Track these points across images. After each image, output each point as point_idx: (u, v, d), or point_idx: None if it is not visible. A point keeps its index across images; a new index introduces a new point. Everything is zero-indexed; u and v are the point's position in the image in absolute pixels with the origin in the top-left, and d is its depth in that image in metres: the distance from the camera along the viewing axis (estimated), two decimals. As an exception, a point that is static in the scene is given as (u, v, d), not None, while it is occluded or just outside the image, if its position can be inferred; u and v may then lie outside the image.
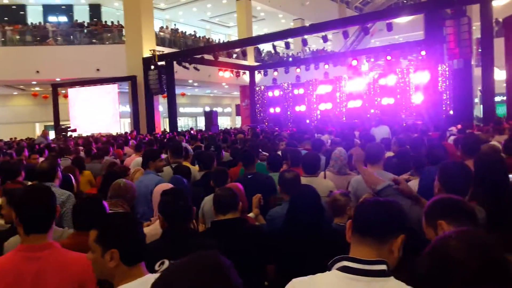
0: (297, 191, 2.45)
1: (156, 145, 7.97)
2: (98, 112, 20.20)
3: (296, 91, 22.03)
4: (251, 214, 3.03)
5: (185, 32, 24.56)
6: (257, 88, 23.13)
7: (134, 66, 18.78)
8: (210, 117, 20.39)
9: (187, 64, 17.96)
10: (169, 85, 17.82)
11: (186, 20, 30.09)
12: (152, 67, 17.73)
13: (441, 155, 3.16)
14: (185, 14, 29.27)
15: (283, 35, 16.14)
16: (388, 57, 16.75)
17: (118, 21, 21.79)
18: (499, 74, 14.98)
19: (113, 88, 19.98)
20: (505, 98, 13.70)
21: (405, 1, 34.23)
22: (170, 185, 2.66)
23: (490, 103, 11.29)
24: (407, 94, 17.97)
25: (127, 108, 21.36)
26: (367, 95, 19.22)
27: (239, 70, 21.50)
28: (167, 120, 21.08)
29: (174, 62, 17.74)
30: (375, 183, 2.48)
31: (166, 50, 20.14)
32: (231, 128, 22.86)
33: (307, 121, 20.50)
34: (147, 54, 18.46)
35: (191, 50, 19.98)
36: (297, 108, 21.93)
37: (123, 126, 23.52)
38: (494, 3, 22.94)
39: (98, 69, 19.60)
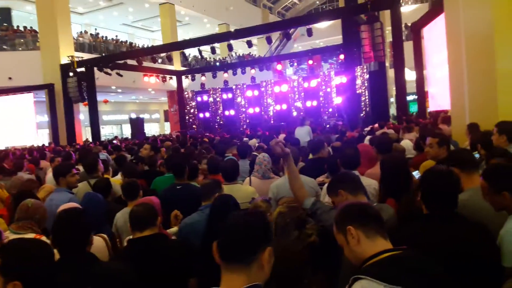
0: (215, 201, 2.41)
1: (74, 158, 7.49)
2: (13, 124, 18.64)
3: (225, 96, 22.11)
4: (171, 230, 2.93)
5: (106, 37, 23.51)
6: (185, 93, 22.81)
7: (51, 74, 17.58)
8: (137, 124, 19.73)
9: (109, 70, 17.21)
10: (90, 92, 16.94)
11: (107, 24, 28.83)
12: (71, 74, 16.73)
13: (352, 158, 3.31)
14: (106, 18, 28.03)
15: (209, 40, 16.08)
16: (310, 62, 17.38)
17: (31, 26, 20.26)
18: (411, 75, 16.25)
19: (28, 98, 18.53)
20: (416, 97, 14.90)
21: (324, 7, 35.90)
22: (75, 205, 2.46)
23: (403, 102, 12.16)
24: (329, 96, 18.82)
25: (45, 118, 19.91)
26: (292, 98, 19.82)
27: (165, 75, 21.05)
28: (90, 129, 19.99)
29: (95, 68, 16.91)
30: (299, 196, 2.47)
31: (86, 56, 19.10)
32: (159, 135, 22.26)
33: (244, 125, 20.61)
34: (65, 60, 17.38)
35: (113, 56, 19.17)
36: (227, 113, 22.02)
37: (42, 137, 21.90)
38: (403, 9, 24.84)
39: (10, 78, 18.03)
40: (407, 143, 5.73)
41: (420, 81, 13.67)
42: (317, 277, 2.04)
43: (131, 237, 2.41)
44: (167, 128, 31.89)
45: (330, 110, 18.49)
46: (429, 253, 1.88)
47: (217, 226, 2.29)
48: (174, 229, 2.95)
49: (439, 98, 11.34)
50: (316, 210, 2.34)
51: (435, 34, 11.16)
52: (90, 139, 17.41)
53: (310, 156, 4.84)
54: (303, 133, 8.50)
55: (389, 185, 2.95)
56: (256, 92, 20.95)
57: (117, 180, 4.69)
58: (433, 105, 12.95)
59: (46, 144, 16.33)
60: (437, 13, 10.58)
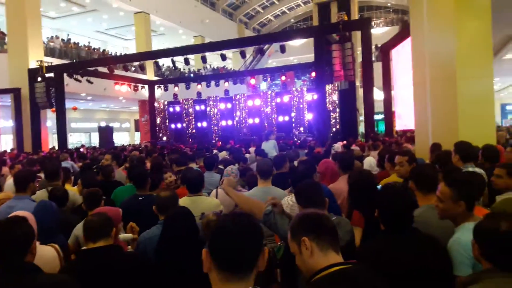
0: (170, 214, 2.38)
1: (37, 165, 7.25)
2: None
3: (197, 107, 22.05)
4: (123, 236, 2.84)
5: (78, 43, 23.07)
6: (156, 104, 22.58)
7: (18, 78, 17.02)
8: (105, 133, 19.31)
9: (79, 77, 16.85)
10: (58, 98, 16.49)
11: (80, 30, 28.31)
12: (39, 79, 16.26)
13: (311, 173, 3.39)
14: (79, 24, 27.54)
15: (183, 51, 16.04)
16: (283, 77, 17.63)
17: (-1, 28, 19.67)
18: (380, 95, 16.73)
19: (-8, 101, 17.89)
20: (384, 116, 15.31)
21: (298, 25, 36.66)
22: (25, 213, 2.35)
23: (371, 120, 12.48)
24: (301, 112, 19.09)
25: (10, 123, 19.20)
26: (265, 112, 20.00)
27: (137, 84, 20.81)
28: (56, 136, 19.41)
29: (65, 74, 16.52)
30: (251, 209, 2.48)
31: (56, 61, 18.66)
32: (129, 144, 21.87)
33: (216, 138, 20.56)
34: (33, 65, 16.90)
35: (84, 62, 18.81)
36: (199, 124, 21.95)
37: (5, 143, 21.08)
38: (374, 31, 25.62)
39: (-27, 80, 17.36)
40: (370, 160, 5.89)
41: (388, 101, 14.08)
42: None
43: (84, 247, 2.34)
44: (137, 138, 31.38)
45: (301, 128, 18.75)
46: (387, 266, 1.96)
47: (168, 240, 2.29)
48: (127, 235, 2.87)
49: (405, 118, 11.70)
50: (270, 219, 2.36)
51: (402, 57, 11.57)
52: (57, 147, 16.90)
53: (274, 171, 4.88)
54: (268, 148, 8.57)
55: (357, 198, 3.12)
56: (229, 105, 21.03)
57: (76, 190, 4.57)
58: (399, 125, 13.35)
59: (8, 151, 15.72)
60: (405, 36, 11.00)
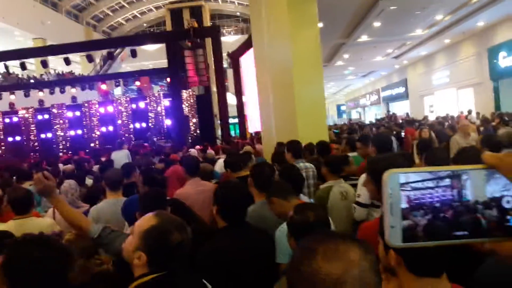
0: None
1: None
2: None
3: (40, 117, 19.71)
4: None
5: None
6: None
7: None
8: None
9: None
10: None
11: None
12: None
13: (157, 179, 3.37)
14: None
15: (17, 54, 14.24)
16: (137, 83, 17.09)
17: None
18: (234, 99, 17.50)
19: None
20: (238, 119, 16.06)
21: (152, 30, 35.95)
22: None
23: (226, 124, 12.98)
24: (159, 118, 18.70)
25: None
26: (121, 119, 19.01)
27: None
28: None
29: None
30: (82, 227, 2.29)
31: None
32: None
33: (64, 149, 18.60)
34: None
35: None
36: (43, 135, 19.65)
37: None
38: (225, 39, 26.64)
39: None
40: (221, 162, 6.13)
41: (240, 105, 14.83)
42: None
43: None
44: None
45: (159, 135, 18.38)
46: (231, 261, 2.06)
47: None
48: None
49: (255, 121, 12.48)
50: (105, 238, 2.21)
51: (249, 64, 12.32)
52: None
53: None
54: (120, 157, 8.21)
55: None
56: (77, 113, 19.34)
57: None
58: (251, 127, 14.17)
59: None
60: (250, 44, 11.73)
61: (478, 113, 15.85)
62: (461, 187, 0.45)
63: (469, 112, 16.87)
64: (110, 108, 19.02)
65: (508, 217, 0.45)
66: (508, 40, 15.31)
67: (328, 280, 0.76)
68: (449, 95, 21.33)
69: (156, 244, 1.53)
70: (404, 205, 0.45)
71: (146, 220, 1.58)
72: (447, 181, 0.45)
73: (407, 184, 0.45)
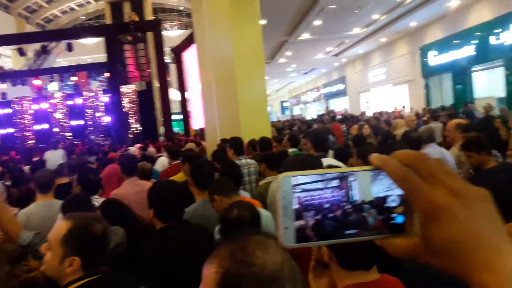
0: None
1: None
2: None
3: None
4: None
5: None
6: None
7: None
8: None
9: None
10: None
11: None
12: None
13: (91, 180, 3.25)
14: None
15: None
16: (74, 78, 16.27)
17: None
18: (178, 95, 17.15)
19: None
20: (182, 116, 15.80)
21: (90, 23, 34.32)
22: None
23: (168, 121, 12.72)
24: (98, 115, 17.94)
25: None
26: (56, 116, 18.01)
27: None
28: None
29: None
30: (11, 231, 2.15)
31: None
32: None
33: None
34: None
35: None
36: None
37: None
38: (168, 33, 26.04)
39: None
40: (163, 160, 6.02)
41: (184, 102, 14.61)
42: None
43: None
44: None
45: (99, 129, 17.62)
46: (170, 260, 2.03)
47: None
48: None
49: (199, 117, 12.36)
50: (35, 245, 2.10)
51: (192, 59, 12.16)
52: None
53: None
54: (55, 157, 7.77)
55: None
56: (8, 110, 18.04)
57: None
58: (195, 124, 14.01)
59: None
60: (193, 40, 11.57)
61: (411, 109, 16.87)
62: (348, 188, 0.47)
63: (403, 107, 17.91)
64: (44, 105, 17.96)
65: (393, 215, 0.48)
66: (437, 40, 16.39)
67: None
68: (385, 91, 22.46)
69: (82, 240, 1.49)
70: (296, 206, 0.47)
71: (60, 227, 1.51)
72: (335, 183, 0.47)
73: (298, 186, 0.47)
